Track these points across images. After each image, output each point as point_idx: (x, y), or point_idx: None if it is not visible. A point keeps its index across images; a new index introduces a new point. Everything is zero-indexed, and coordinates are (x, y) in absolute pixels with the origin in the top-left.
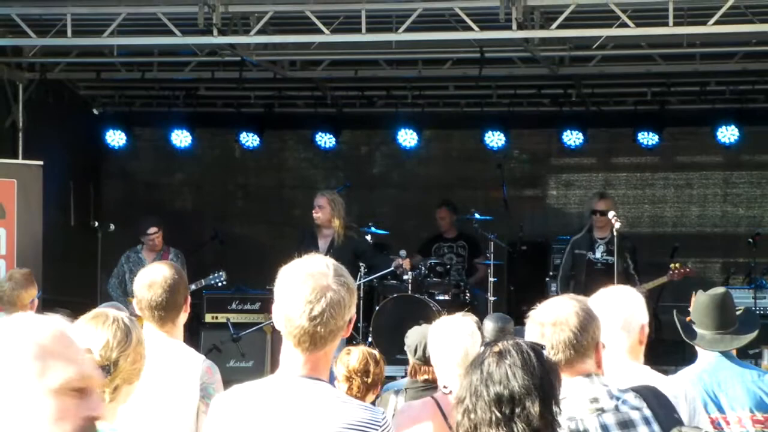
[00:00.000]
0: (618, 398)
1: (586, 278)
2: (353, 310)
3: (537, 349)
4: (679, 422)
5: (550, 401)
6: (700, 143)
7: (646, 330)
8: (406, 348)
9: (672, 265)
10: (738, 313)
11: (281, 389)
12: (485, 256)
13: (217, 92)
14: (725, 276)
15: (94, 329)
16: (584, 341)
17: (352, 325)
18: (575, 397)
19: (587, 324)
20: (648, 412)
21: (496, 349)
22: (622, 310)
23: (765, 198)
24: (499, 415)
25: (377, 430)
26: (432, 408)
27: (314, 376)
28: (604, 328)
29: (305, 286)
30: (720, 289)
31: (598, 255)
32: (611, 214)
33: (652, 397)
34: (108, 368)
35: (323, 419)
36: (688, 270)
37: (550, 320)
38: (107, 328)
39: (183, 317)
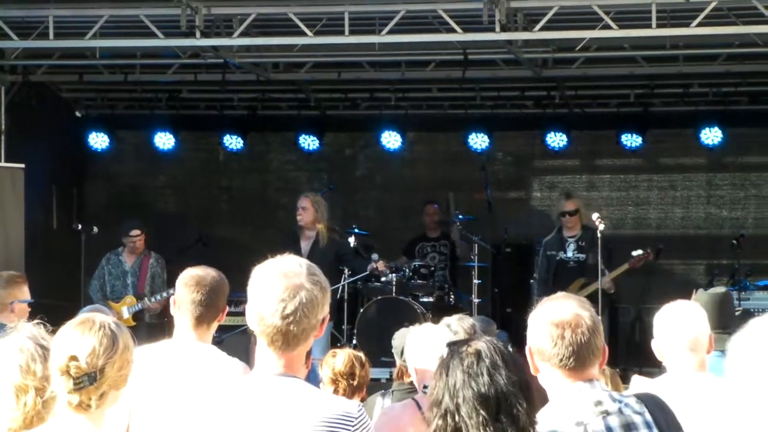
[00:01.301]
0: (620, 401)
1: (560, 277)
2: (326, 309)
3: (507, 347)
4: (680, 429)
5: (533, 399)
6: (683, 145)
7: (713, 337)
8: (393, 350)
9: (633, 253)
10: (737, 313)
11: (258, 388)
12: (469, 258)
13: (200, 95)
14: (709, 278)
15: (81, 335)
16: (600, 344)
17: (325, 325)
18: (579, 401)
19: (599, 326)
20: (649, 417)
21: (471, 349)
22: (689, 330)
23: (748, 200)
24: (486, 415)
25: (353, 422)
26: (412, 409)
27: (289, 373)
28: (670, 347)
29: (278, 284)
30: (720, 289)
31: (569, 254)
32: (595, 215)
33: (653, 404)
34: (94, 375)
35: (301, 415)
36: (645, 254)
37: (571, 322)
38: (93, 335)
39: (216, 324)
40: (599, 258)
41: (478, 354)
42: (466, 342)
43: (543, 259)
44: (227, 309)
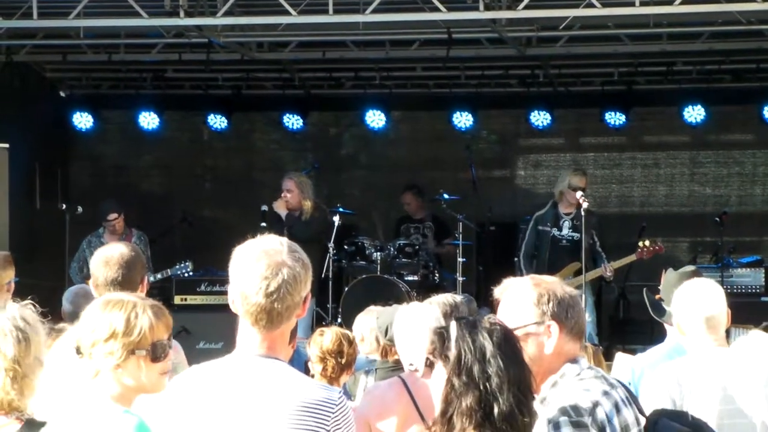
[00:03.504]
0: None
1: (550, 255)
2: (309, 286)
3: (508, 326)
4: (641, 412)
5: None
6: (667, 123)
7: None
8: (377, 328)
9: (641, 243)
10: None
11: (238, 368)
12: (453, 237)
13: (185, 74)
14: (692, 255)
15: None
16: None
17: (307, 304)
18: (588, 379)
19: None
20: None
21: (497, 326)
22: (707, 307)
23: (731, 177)
24: (517, 392)
25: (333, 409)
26: (398, 387)
27: (271, 355)
28: (690, 324)
29: (260, 263)
30: (690, 268)
31: (564, 232)
32: (579, 194)
33: (622, 385)
34: None
35: (280, 398)
36: (657, 248)
37: (575, 296)
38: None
39: None
40: (595, 239)
41: (504, 331)
42: (477, 317)
43: (532, 233)
44: (146, 281)
